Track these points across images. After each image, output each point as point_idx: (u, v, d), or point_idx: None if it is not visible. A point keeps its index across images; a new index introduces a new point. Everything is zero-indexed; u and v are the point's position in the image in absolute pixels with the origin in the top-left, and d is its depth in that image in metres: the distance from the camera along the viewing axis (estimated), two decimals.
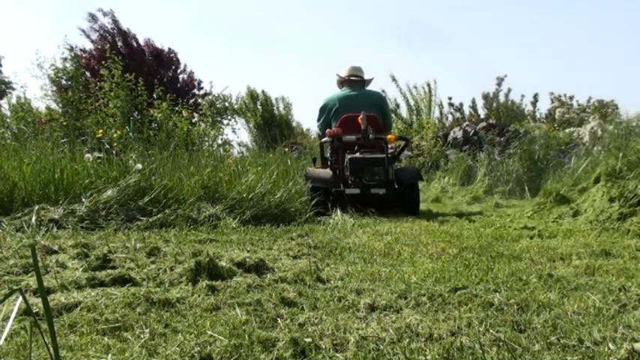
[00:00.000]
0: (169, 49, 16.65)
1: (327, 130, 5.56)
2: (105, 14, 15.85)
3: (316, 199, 4.72)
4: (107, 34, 15.82)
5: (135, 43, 16.11)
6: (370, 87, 6.18)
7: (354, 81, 5.90)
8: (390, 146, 5.67)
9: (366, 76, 6.03)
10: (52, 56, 9.36)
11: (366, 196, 5.02)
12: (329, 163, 5.77)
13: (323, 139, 5.74)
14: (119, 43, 15.65)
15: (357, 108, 5.43)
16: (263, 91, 17.49)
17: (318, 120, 5.97)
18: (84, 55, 15.06)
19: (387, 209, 5.13)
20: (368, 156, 5.10)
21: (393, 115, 14.25)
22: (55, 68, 8.80)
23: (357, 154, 5.14)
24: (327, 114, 5.82)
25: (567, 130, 7.54)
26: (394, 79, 14.40)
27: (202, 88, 17.01)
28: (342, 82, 5.99)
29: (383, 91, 14.63)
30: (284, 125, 17.40)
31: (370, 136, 5.21)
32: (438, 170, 9.16)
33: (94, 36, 15.81)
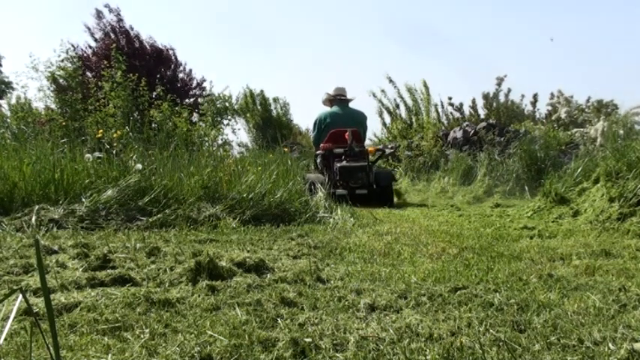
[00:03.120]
0: (168, 47, 16.65)
1: (321, 145, 6.83)
2: (111, 10, 15.86)
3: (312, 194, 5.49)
4: (111, 32, 15.83)
5: (137, 42, 16.12)
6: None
7: (341, 100, 7.19)
8: (386, 151, 7.03)
9: (349, 96, 7.32)
10: (47, 58, 9.32)
11: (352, 196, 6.04)
12: (319, 169, 6.90)
13: (318, 152, 6.96)
14: (122, 42, 15.64)
15: (345, 124, 6.76)
16: (262, 91, 17.51)
17: (313, 132, 7.29)
18: (86, 54, 15.06)
19: (367, 203, 6.09)
20: (353, 164, 6.35)
21: (392, 115, 14.51)
22: (51, 70, 8.78)
23: (345, 163, 6.36)
24: (319, 128, 7.08)
25: (573, 131, 7.53)
26: (391, 81, 14.46)
27: (203, 88, 17.00)
28: (331, 101, 7.26)
29: (382, 90, 14.72)
30: (283, 125, 17.40)
31: (356, 149, 6.48)
32: (438, 170, 9.15)
33: (98, 34, 15.83)
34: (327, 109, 7.25)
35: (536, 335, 1.46)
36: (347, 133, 6.50)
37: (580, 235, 3.35)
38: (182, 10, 38.53)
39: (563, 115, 9.33)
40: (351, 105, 7.32)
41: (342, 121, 6.86)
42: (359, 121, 7.09)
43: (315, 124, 7.18)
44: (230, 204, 4.15)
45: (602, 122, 6.95)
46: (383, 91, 14.80)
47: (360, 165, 6.33)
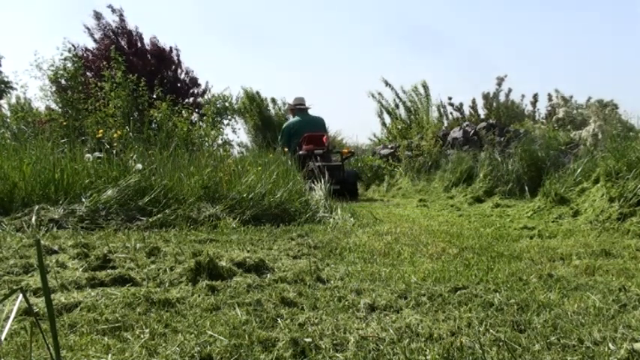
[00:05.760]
0: (171, 47, 16.65)
1: (304, 146, 7.88)
2: (114, 11, 15.85)
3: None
4: (111, 33, 15.82)
5: (140, 43, 16.12)
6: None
7: (302, 109, 8.56)
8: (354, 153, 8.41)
9: (307, 104, 8.69)
10: (51, 57, 9.30)
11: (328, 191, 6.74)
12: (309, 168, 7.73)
13: (301, 152, 7.85)
14: (122, 42, 15.65)
15: (308, 129, 8.10)
16: (257, 92, 17.49)
17: (281, 139, 8.40)
18: (86, 55, 15.07)
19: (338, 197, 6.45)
20: (331, 164, 7.50)
21: (392, 115, 14.63)
22: (54, 69, 8.78)
23: (323, 163, 7.26)
24: (288, 135, 8.32)
25: (573, 134, 7.51)
26: (387, 84, 14.53)
27: (204, 90, 17.02)
28: (293, 110, 8.71)
29: (379, 93, 14.83)
30: (283, 125, 17.36)
31: (333, 150, 8.13)
32: (438, 170, 9.14)
33: (98, 35, 15.83)
34: (290, 117, 8.78)
35: (536, 335, 1.46)
36: (325, 137, 8.08)
37: (580, 235, 3.35)
38: (182, 10, 38.50)
39: (561, 115, 9.30)
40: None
41: (305, 127, 8.22)
42: (320, 124, 8.52)
43: (283, 132, 8.58)
44: (230, 204, 4.14)
45: (594, 125, 6.95)
46: (380, 93, 14.85)
47: (336, 164, 7.64)
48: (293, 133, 8.32)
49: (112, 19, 15.94)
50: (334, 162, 7.80)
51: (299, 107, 8.58)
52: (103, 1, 18.32)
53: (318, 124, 8.53)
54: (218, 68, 32.86)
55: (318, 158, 7.60)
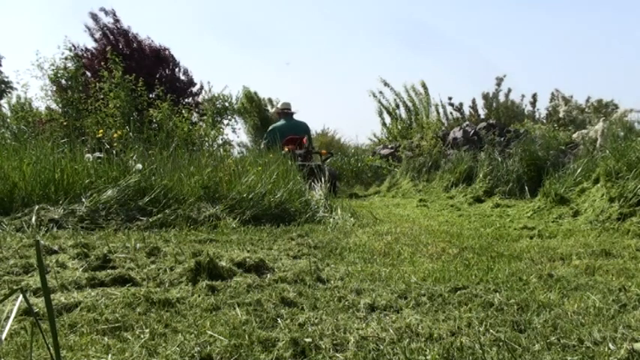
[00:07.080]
0: (166, 47, 16.64)
1: (286, 147, 8.43)
2: (107, 13, 15.85)
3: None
4: (109, 33, 15.82)
5: (135, 43, 16.12)
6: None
7: (287, 113, 9.19)
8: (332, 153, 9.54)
9: (293, 109, 9.38)
10: (52, 56, 9.29)
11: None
12: None
13: (283, 152, 8.20)
14: (120, 43, 15.65)
15: (294, 132, 8.84)
16: (256, 93, 17.51)
17: (265, 139, 8.89)
18: (86, 55, 15.06)
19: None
20: (312, 164, 8.09)
21: (392, 115, 14.68)
22: (54, 68, 8.78)
23: (305, 162, 7.89)
24: (272, 137, 8.81)
25: (574, 135, 7.48)
26: (386, 84, 14.57)
27: (198, 88, 17.01)
28: (279, 114, 9.35)
29: (380, 92, 14.87)
30: None
31: (313, 151, 8.91)
32: (438, 170, 9.14)
33: (97, 35, 15.82)
34: (278, 122, 9.48)
35: (536, 335, 1.46)
36: (305, 139, 8.81)
37: (580, 235, 3.35)
38: (180, 10, 38.53)
39: (561, 115, 9.30)
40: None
41: (289, 130, 8.90)
42: (303, 129, 9.18)
43: (268, 133, 9.17)
44: (230, 204, 4.14)
45: (602, 123, 6.93)
46: (381, 92, 14.87)
47: (317, 164, 8.26)
48: (279, 136, 8.93)
49: (107, 21, 15.95)
50: (314, 162, 8.52)
51: (285, 111, 9.21)
52: (102, 1, 18.32)
53: (301, 128, 9.24)
54: (217, 68, 32.89)
55: (299, 158, 8.09)
